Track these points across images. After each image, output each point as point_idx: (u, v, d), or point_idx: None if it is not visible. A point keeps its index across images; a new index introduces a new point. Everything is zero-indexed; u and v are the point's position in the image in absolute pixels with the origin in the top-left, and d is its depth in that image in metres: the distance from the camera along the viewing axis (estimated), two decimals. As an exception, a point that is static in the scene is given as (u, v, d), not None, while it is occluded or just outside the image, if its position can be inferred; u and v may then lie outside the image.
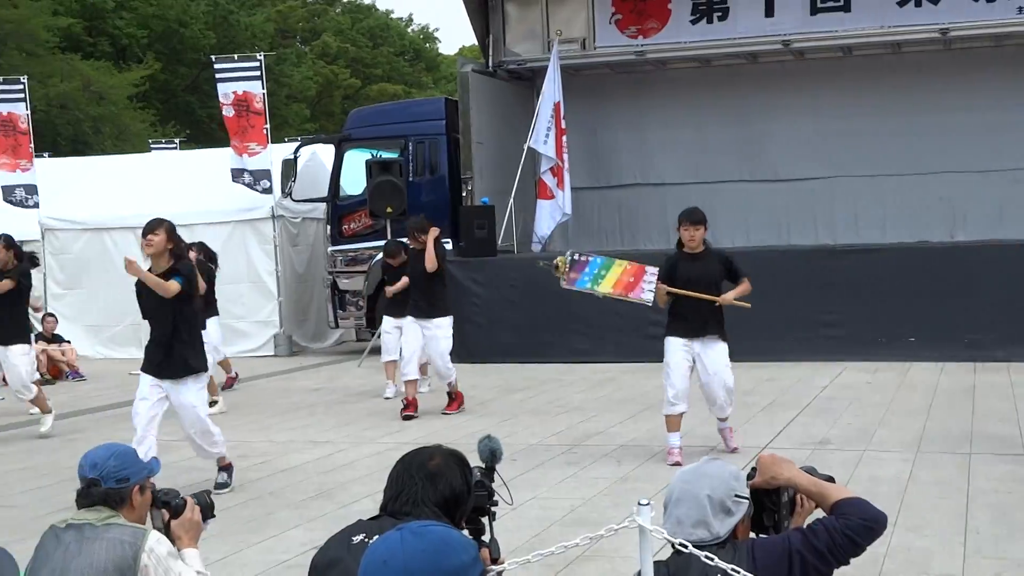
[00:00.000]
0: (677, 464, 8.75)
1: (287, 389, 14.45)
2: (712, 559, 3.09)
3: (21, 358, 11.52)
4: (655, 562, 3.18)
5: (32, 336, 12.15)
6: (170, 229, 8.31)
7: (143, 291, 8.38)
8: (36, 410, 12.68)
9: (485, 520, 3.52)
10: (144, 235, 8.26)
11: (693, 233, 9.13)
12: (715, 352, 9.15)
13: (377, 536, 3.00)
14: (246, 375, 15.32)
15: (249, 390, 14.46)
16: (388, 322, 13.24)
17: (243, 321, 18.13)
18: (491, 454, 3.69)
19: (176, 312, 8.29)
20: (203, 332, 9.60)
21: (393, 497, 3.19)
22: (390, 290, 13.10)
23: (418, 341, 11.98)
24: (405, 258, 12.77)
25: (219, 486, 8.61)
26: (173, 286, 8.15)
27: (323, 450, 10.16)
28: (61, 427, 12.00)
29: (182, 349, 8.34)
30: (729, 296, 9.13)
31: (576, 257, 9.57)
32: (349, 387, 14.30)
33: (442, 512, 3.10)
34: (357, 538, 3.12)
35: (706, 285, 9.11)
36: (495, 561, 3.31)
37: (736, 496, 3.28)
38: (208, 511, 4.29)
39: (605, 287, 9.41)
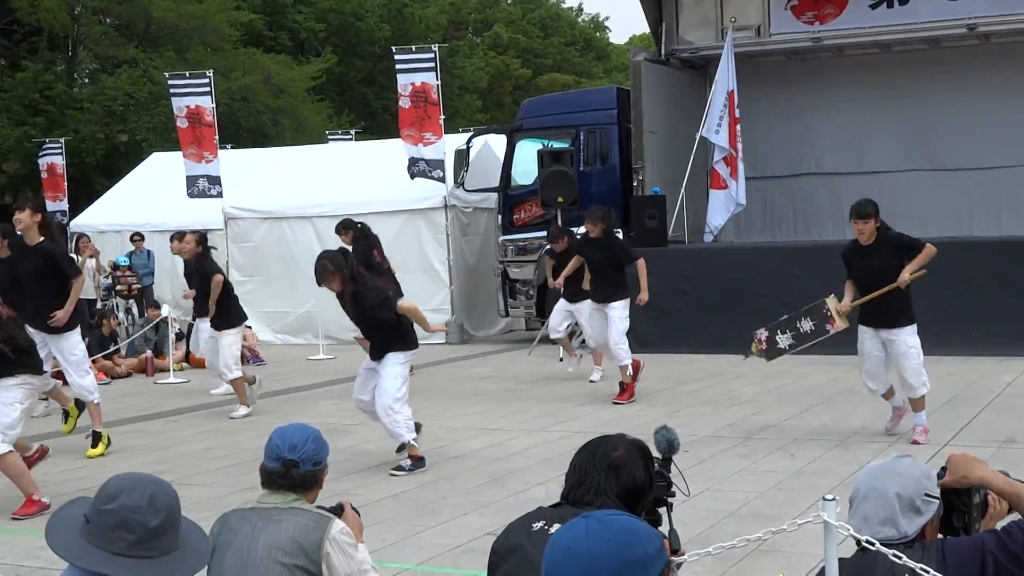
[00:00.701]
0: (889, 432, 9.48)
1: (459, 376, 14.63)
2: (900, 557, 3.00)
3: (230, 338, 12.30)
4: (839, 559, 3.12)
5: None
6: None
7: (347, 305, 9.03)
8: (221, 389, 13.18)
9: (663, 511, 3.49)
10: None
11: (862, 227, 9.26)
12: (900, 335, 9.26)
13: (557, 524, 3.03)
14: (418, 362, 15.55)
15: (422, 377, 14.68)
16: (560, 303, 13.52)
17: (415, 309, 18.39)
18: (668, 445, 3.67)
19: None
20: None
21: (575, 486, 3.19)
22: (556, 283, 13.29)
23: (601, 326, 12.30)
24: (567, 245, 13.27)
25: (396, 468, 8.84)
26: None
27: (495, 437, 10.26)
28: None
29: (387, 342, 9.01)
30: (905, 276, 9.11)
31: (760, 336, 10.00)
32: (520, 375, 14.40)
33: (623, 503, 3.08)
34: (537, 525, 3.13)
35: (883, 275, 9.18)
36: (675, 552, 3.28)
37: (926, 495, 3.18)
38: None
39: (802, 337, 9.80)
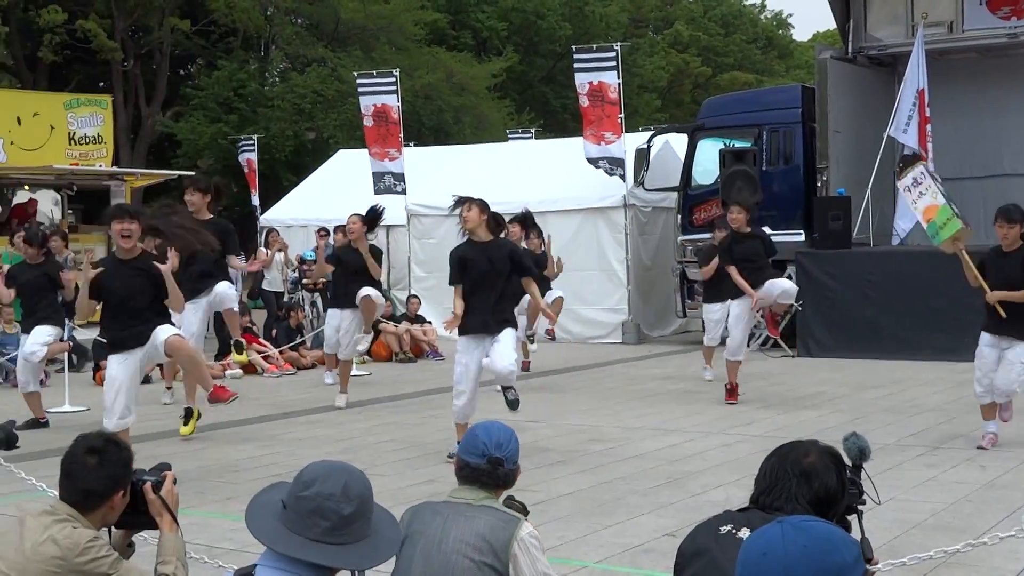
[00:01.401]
0: (980, 448, 9.24)
1: (636, 376, 14.60)
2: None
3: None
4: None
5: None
6: (482, 206, 9.13)
7: (474, 263, 9.05)
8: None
9: (852, 519, 3.43)
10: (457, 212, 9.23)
11: (1007, 231, 9.14)
12: (1018, 348, 9.10)
13: (745, 528, 3.01)
14: (596, 361, 15.64)
15: (598, 375, 14.73)
16: (711, 309, 13.32)
17: (592, 308, 18.45)
18: (860, 452, 3.61)
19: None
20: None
21: (766, 491, 3.15)
22: (706, 271, 13.02)
23: (750, 321, 12.22)
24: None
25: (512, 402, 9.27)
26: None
27: (672, 438, 10.21)
28: (421, 404, 12.66)
29: (510, 312, 9.29)
30: (994, 294, 9.08)
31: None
32: (698, 376, 14.27)
33: (814, 511, 3.03)
34: (724, 528, 3.11)
35: (1013, 286, 9.06)
36: (868, 561, 3.22)
37: None
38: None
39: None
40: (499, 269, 9.02)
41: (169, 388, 12.76)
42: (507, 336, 9.07)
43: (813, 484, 3.10)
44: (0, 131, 20.01)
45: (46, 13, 31.59)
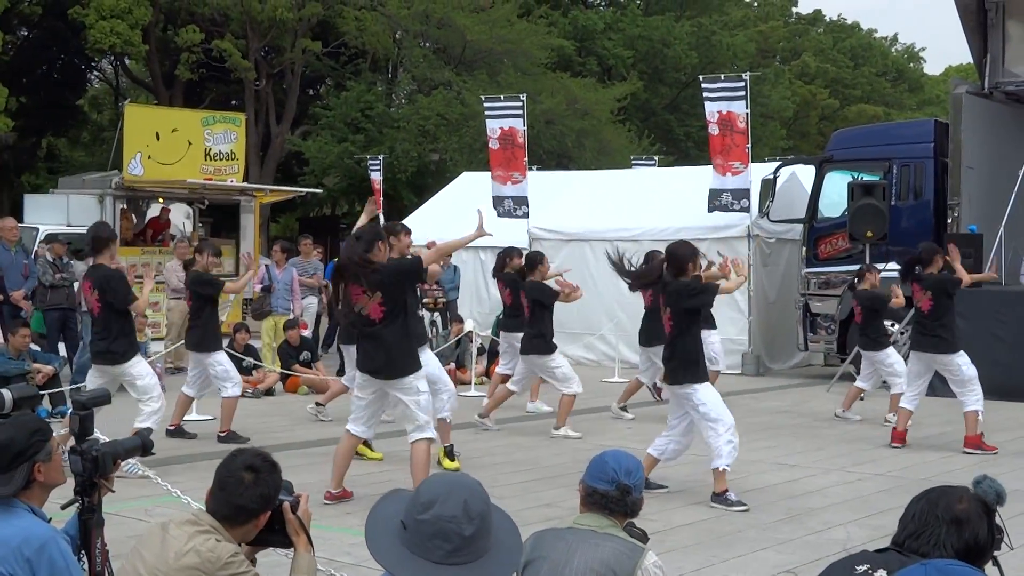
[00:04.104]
0: None
1: (755, 409, 14.42)
2: None
3: None
4: None
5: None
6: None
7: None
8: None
9: (988, 565, 3.35)
10: None
11: None
12: None
13: (882, 570, 2.97)
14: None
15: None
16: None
17: (712, 338, 18.25)
18: (996, 495, 3.53)
19: None
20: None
21: (913, 535, 3.09)
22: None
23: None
24: (874, 276, 13.20)
25: None
26: None
27: (791, 473, 10.07)
28: (540, 426, 12.67)
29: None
30: None
31: None
32: (818, 411, 14.07)
33: (961, 560, 2.97)
34: (860, 568, 3.07)
35: None
36: (1008, 610, 3.14)
37: None
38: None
39: None
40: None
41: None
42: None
43: (964, 532, 3.03)
44: (139, 145, 20.58)
45: (184, 33, 32.58)
